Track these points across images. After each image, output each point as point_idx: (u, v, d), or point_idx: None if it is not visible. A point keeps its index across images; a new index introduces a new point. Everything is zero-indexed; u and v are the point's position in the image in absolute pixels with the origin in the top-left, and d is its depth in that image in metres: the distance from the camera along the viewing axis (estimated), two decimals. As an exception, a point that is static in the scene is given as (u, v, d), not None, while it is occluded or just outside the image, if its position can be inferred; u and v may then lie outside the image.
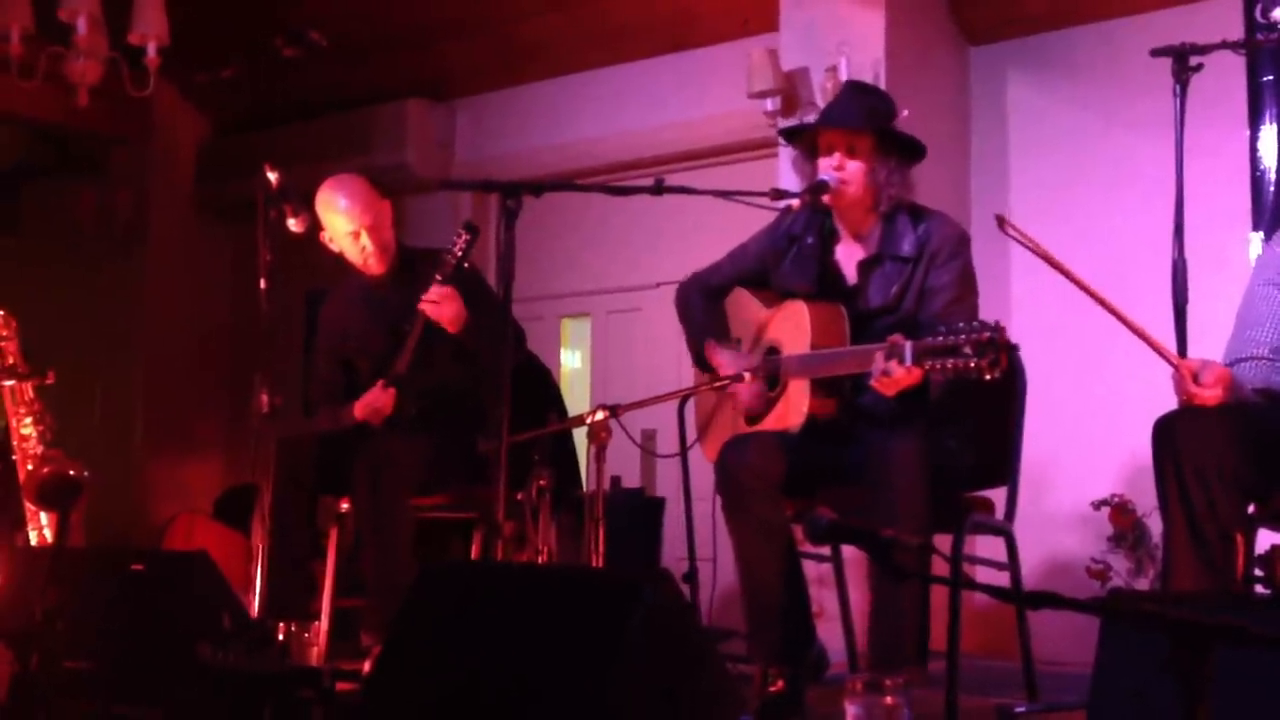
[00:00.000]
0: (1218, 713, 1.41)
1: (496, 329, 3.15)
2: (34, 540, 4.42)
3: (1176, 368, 2.78)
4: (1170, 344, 2.96)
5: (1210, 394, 2.70)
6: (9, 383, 4.50)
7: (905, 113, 3.33)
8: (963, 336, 2.76)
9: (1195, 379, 2.72)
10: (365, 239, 3.90)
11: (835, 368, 3.15)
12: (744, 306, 3.53)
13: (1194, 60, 3.17)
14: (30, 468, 4.40)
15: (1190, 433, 2.62)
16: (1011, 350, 2.74)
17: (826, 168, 3.24)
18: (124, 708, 2.84)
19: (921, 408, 3.09)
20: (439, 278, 3.74)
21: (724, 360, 3.41)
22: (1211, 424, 2.63)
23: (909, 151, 3.29)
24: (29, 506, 4.41)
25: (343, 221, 3.89)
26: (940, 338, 2.81)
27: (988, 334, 2.73)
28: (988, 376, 2.74)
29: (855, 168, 3.23)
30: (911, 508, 2.97)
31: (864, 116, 3.27)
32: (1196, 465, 2.58)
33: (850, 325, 3.22)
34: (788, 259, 3.40)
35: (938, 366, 2.81)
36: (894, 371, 2.89)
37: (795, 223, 3.42)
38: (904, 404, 3.06)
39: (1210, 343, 3.04)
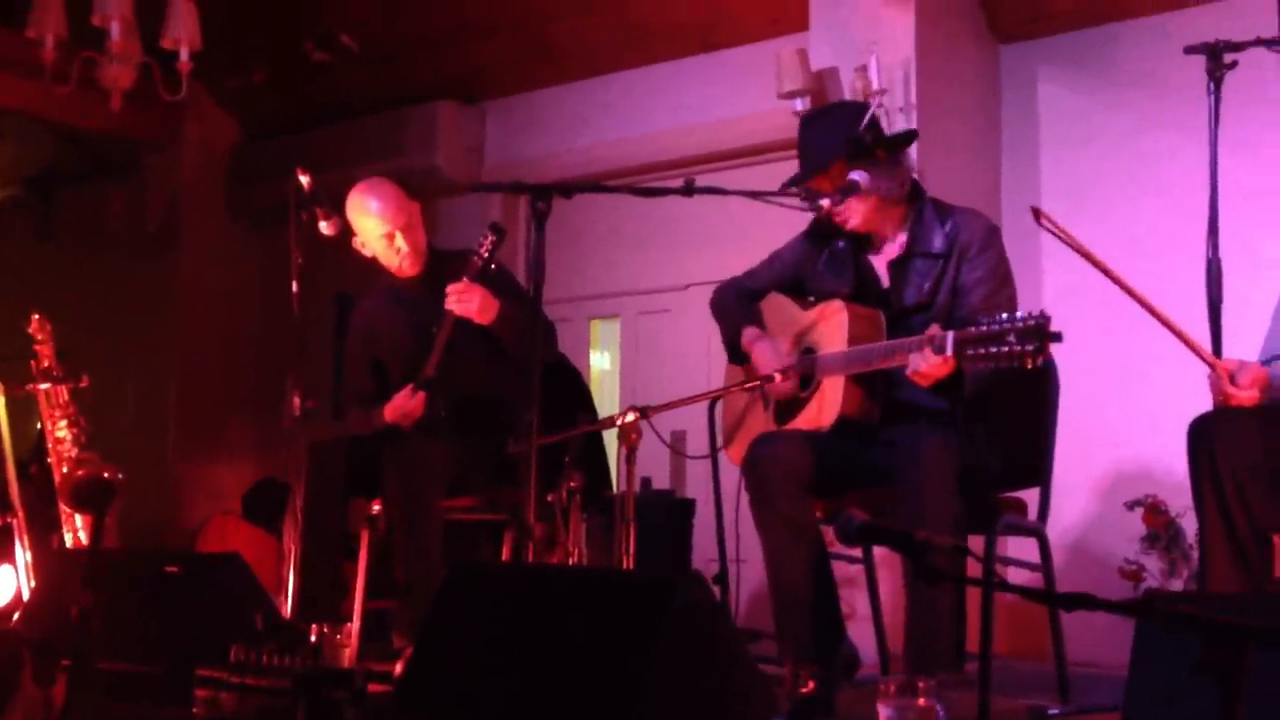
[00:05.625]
0: (1253, 714, 1.40)
1: (528, 321, 3.15)
2: (69, 542, 4.46)
3: (1213, 367, 2.76)
4: (1205, 344, 2.93)
5: (1247, 395, 2.68)
6: (44, 386, 4.54)
7: (873, 107, 3.31)
8: (1006, 325, 2.75)
9: (1232, 379, 2.70)
10: (400, 240, 3.91)
11: (872, 362, 3.14)
12: (782, 309, 3.52)
13: (1228, 57, 3.14)
14: (65, 470, 4.44)
15: (1226, 433, 2.60)
16: (1056, 338, 2.72)
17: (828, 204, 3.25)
18: (158, 709, 2.86)
19: (954, 407, 3.08)
20: (466, 279, 3.75)
21: (762, 352, 3.40)
22: (1247, 424, 2.61)
23: (890, 145, 3.28)
24: (64, 509, 4.45)
25: (375, 224, 3.90)
26: (983, 326, 2.80)
27: (1033, 321, 2.72)
28: (1029, 364, 2.72)
29: (849, 205, 3.23)
30: (942, 509, 2.96)
31: (825, 154, 3.25)
32: (1232, 466, 2.57)
33: (886, 324, 3.22)
34: (821, 263, 3.40)
35: (980, 353, 2.79)
36: (930, 359, 2.88)
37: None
38: (938, 399, 3.05)
39: (1246, 343, 3.01)
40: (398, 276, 4.02)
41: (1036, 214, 2.89)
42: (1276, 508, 2.61)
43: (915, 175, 3.37)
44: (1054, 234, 2.86)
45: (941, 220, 3.27)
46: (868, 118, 3.25)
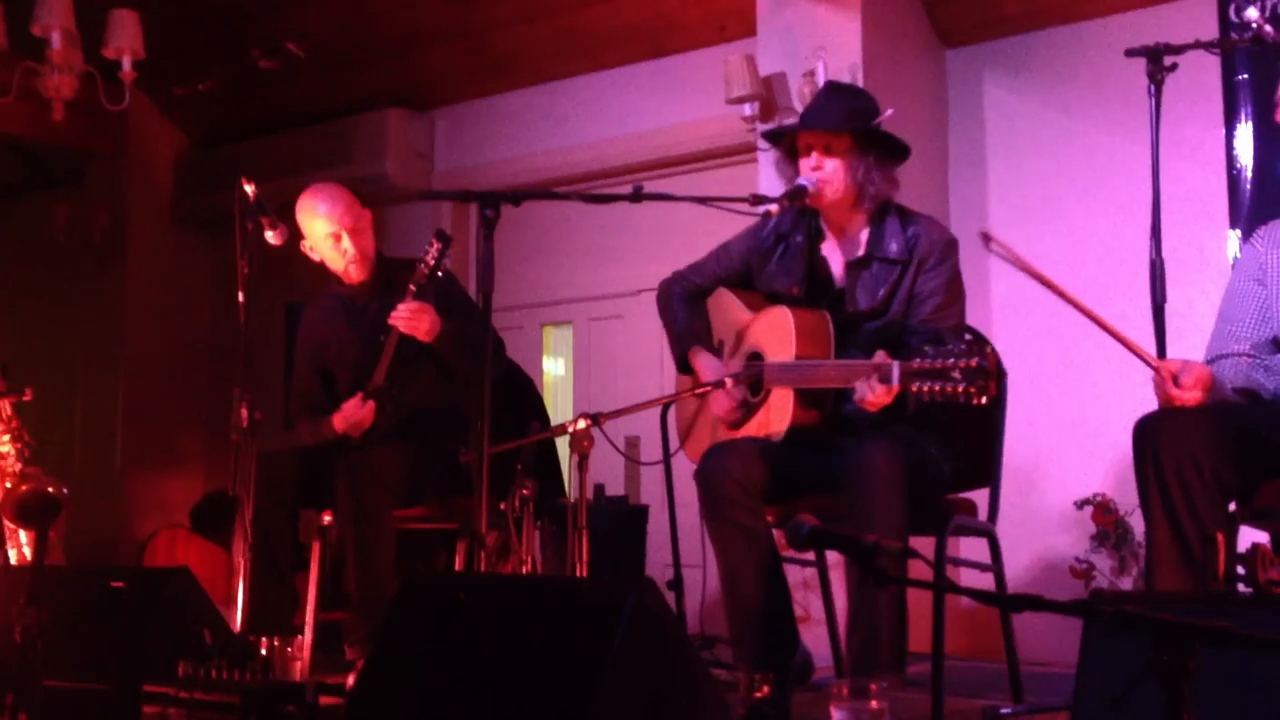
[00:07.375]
0: (1200, 712, 1.41)
1: (475, 336, 3.13)
2: (13, 559, 4.39)
3: (1156, 370, 2.78)
4: (1149, 343, 2.96)
5: (1190, 395, 2.71)
6: (-14, 400, 4.47)
7: (889, 111, 3.33)
8: (951, 360, 2.74)
9: (1175, 381, 2.72)
10: (346, 241, 3.88)
11: (820, 380, 3.14)
12: (727, 308, 3.52)
13: (1168, 60, 3.18)
14: (8, 485, 4.37)
15: (1170, 433, 2.62)
16: (1001, 377, 2.72)
17: (806, 169, 3.25)
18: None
19: (901, 416, 3.09)
20: (413, 287, 3.73)
21: (706, 368, 3.41)
22: (1191, 424, 2.63)
23: (890, 150, 3.30)
24: (8, 524, 4.38)
25: (322, 224, 3.87)
26: (929, 361, 2.78)
27: (977, 360, 2.71)
28: (975, 402, 2.72)
29: (833, 167, 3.23)
30: (891, 514, 2.96)
31: (841, 117, 3.27)
32: (1177, 465, 2.59)
33: (836, 326, 3.22)
34: (774, 259, 3.39)
35: (925, 389, 2.79)
36: (876, 389, 2.88)
37: (783, 221, 3.39)
38: (885, 414, 3.06)
39: (1189, 342, 3.05)
40: (345, 283, 3.99)
41: (986, 238, 2.90)
42: (1220, 506, 2.64)
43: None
44: (1003, 256, 2.86)
45: (903, 226, 3.27)
46: (886, 114, 3.29)
